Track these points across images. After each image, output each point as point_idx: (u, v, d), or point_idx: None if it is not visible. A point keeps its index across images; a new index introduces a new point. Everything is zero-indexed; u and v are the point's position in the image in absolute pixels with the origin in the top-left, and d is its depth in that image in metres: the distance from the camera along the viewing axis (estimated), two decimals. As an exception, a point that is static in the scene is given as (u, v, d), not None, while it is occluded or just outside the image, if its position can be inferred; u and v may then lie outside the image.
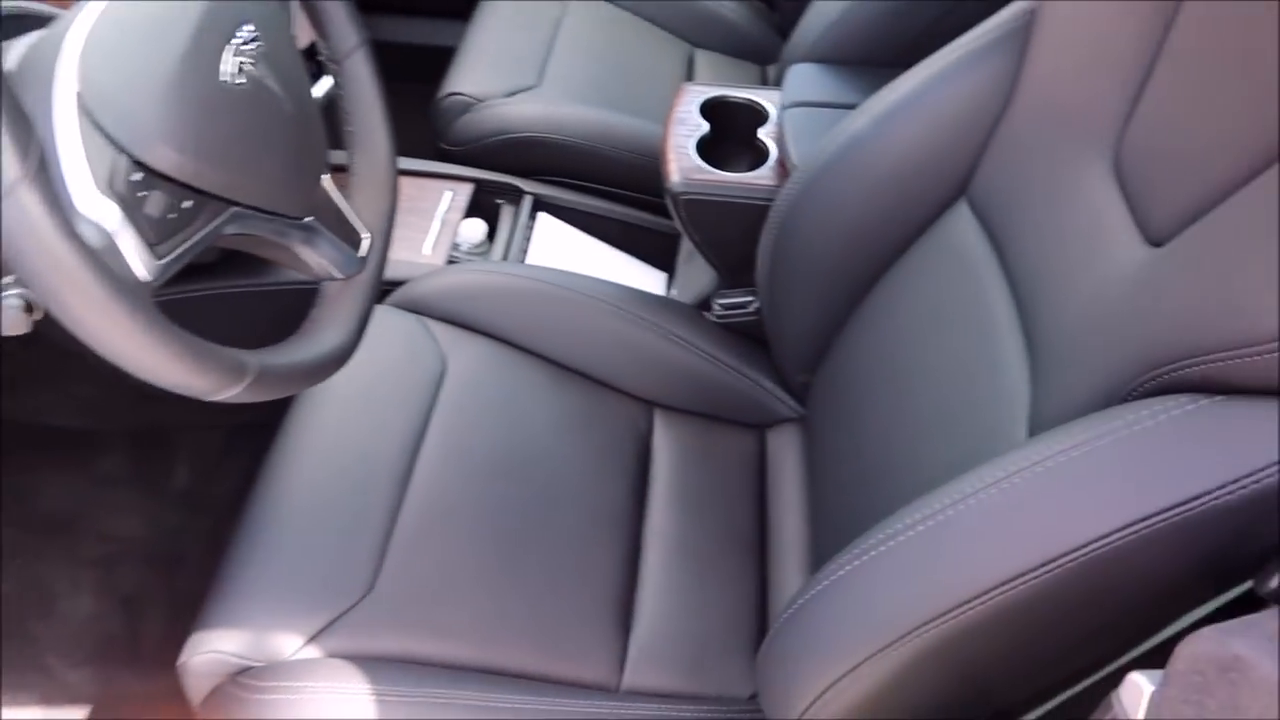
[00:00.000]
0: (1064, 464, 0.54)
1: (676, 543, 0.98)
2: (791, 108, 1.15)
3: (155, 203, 0.60)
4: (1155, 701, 0.38)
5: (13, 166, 0.50)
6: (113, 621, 1.12)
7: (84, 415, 1.27)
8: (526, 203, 1.34)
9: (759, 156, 1.16)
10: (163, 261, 0.60)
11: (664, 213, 1.36)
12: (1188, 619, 0.58)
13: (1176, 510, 0.50)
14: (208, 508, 1.22)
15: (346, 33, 0.81)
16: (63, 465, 1.24)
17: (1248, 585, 0.54)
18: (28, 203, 0.51)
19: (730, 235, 1.12)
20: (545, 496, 0.97)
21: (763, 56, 1.63)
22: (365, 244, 0.81)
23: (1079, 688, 0.65)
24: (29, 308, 0.61)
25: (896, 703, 0.61)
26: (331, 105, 0.85)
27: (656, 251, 1.38)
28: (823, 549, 0.93)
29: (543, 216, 1.35)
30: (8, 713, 1.03)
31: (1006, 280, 0.79)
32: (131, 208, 0.59)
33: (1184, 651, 0.37)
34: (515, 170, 1.36)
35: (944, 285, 0.88)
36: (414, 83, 1.54)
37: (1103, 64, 0.74)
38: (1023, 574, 0.54)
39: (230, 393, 0.63)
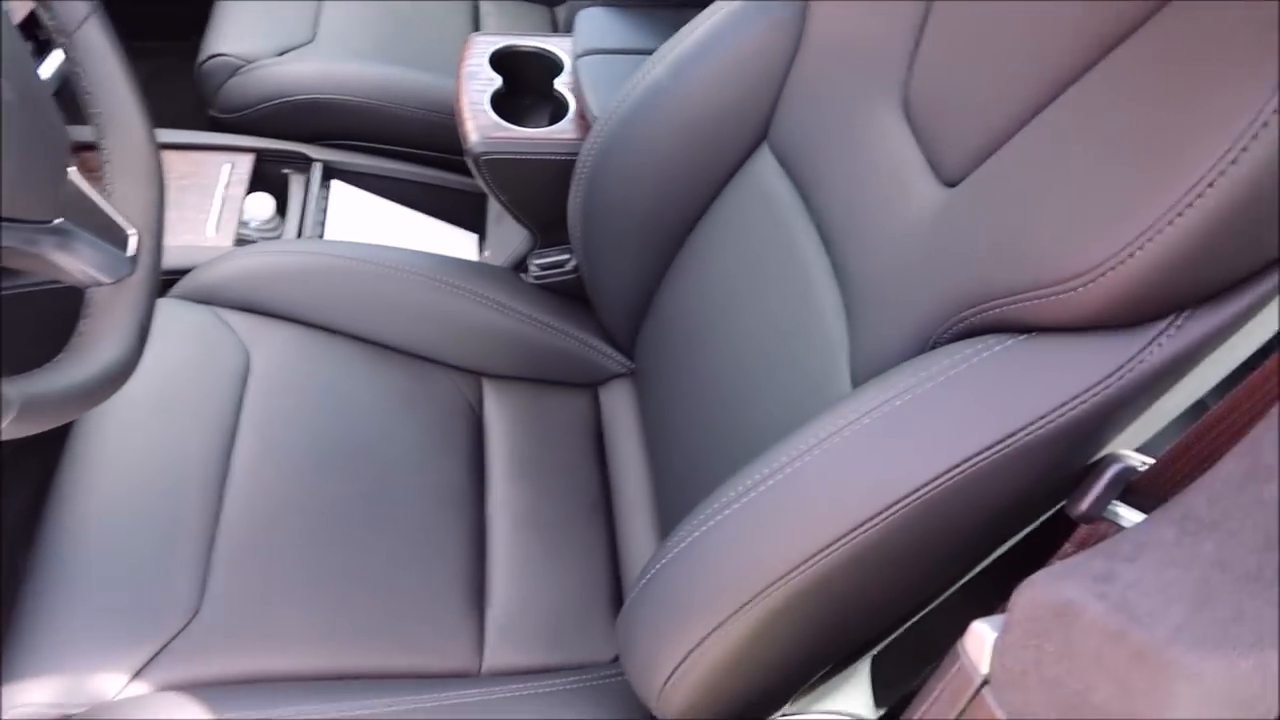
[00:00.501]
0: (889, 413, 0.55)
1: (522, 514, 0.96)
2: (585, 55, 1.11)
3: None
4: (998, 648, 0.40)
5: None
6: None
7: None
8: (316, 171, 1.25)
9: (558, 108, 1.13)
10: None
11: (466, 171, 1.31)
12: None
13: (999, 446, 0.52)
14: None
15: (71, 5, 0.71)
16: None
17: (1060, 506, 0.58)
18: None
19: (538, 193, 1.09)
20: (378, 484, 0.93)
21: (549, -2, 1.58)
22: (133, 241, 0.72)
23: (920, 616, 0.68)
24: None
25: (757, 659, 0.62)
26: (66, 84, 0.76)
27: (464, 212, 1.33)
28: (667, 506, 0.94)
29: (336, 185, 1.26)
30: None
31: (815, 226, 0.80)
32: None
33: (1020, 599, 0.39)
34: (299, 136, 1.27)
35: (755, 232, 0.88)
36: (169, 40, 1.41)
37: (882, 3, 0.74)
38: (863, 523, 0.55)
39: None
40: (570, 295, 1.13)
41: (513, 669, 0.86)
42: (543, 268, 1.13)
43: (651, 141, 0.93)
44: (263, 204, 1.17)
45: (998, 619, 0.40)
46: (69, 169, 0.68)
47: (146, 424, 0.89)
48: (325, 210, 1.22)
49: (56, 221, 0.66)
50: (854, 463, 0.56)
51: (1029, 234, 0.54)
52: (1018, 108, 0.60)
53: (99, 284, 0.70)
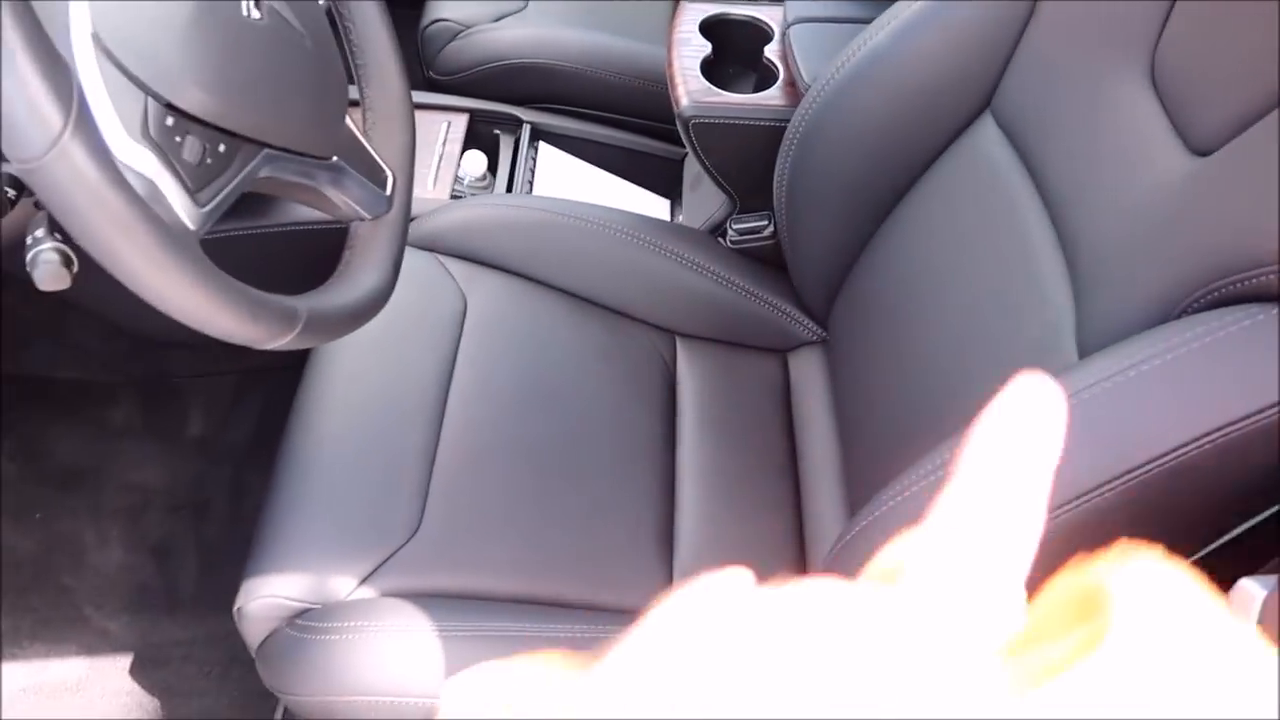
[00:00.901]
0: (1134, 378, 0.55)
1: (710, 470, 0.99)
2: (797, 24, 1.12)
3: (191, 148, 0.58)
4: (1269, 605, 0.39)
5: (56, 117, 0.48)
6: (145, 571, 1.12)
7: (86, 366, 1.25)
8: (525, 132, 1.31)
9: (765, 76, 1.14)
10: (205, 209, 0.59)
11: (665, 138, 1.35)
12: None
13: (1255, 417, 0.51)
14: (225, 455, 1.21)
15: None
16: (72, 419, 1.22)
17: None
18: (75, 154, 0.49)
19: (744, 158, 1.11)
20: (577, 429, 0.97)
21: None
22: (390, 182, 0.79)
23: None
24: (68, 261, 0.59)
25: None
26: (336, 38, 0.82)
27: (660, 178, 1.36)
28: (857, 473, 0.94)
29: (543, 146, 1.32)
30: (53, 665, 1.03)
31: (1040, 196, 0.79)
32: (169, 154, 0.57)
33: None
34: (509, 99, 1.33)
35: (972, 203, 0.87)
36: (394, 5, 1.49)
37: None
38: (1084, 494, 0.55)
39: (282, 341, 0.62)
40: (766, 261, 1.14)
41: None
42: (741, 233, 1.15)
43: (867, 109, 0.94)
44: (476, 161, 1.23)
45: (1268, 578, 0.40)
46: (346, 116, 0.74)
47: (376, 357, 0.97)
48: (533, 170, 1.28)
49: (333, 160, 0.72)
50: (1085, 430, 0.56)
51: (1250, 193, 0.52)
52: (1286, 75, 0.58)
53: (361, 219, 0.77)
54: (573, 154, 1.34)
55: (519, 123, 1.32)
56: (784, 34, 1.14)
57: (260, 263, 1.11)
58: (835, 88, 0.95)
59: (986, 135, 0.87)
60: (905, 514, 0.64)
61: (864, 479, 0.92)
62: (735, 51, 1.18)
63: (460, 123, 1.30)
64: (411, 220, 1.10)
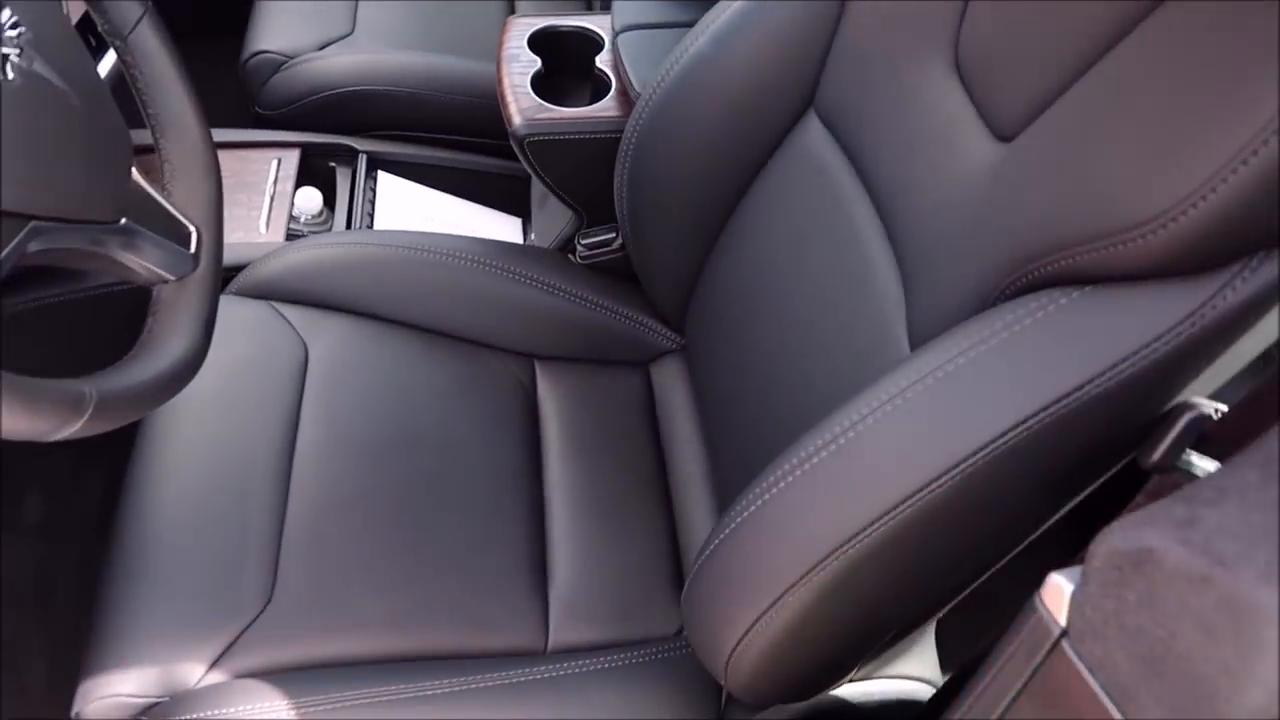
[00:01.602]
0: (952, 372, 0.55)
1: (580, 493, 0.97)
2: (625, 32, 1.11)
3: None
4: (1076, 600, 0.39)
5: None
6: None
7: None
8: (362, 162, 1.26)
9: (598, 87, 1.12)
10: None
11: (509, 155, 1.31)
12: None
13: (1066, 400, 0.51)
14: (70, 536, 1.13)
15: (125, 6, 0.72)
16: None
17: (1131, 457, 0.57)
18: None
19: (583, 172, 1.09)
20: (438, 468, 0.94)
21: (585, -22, 1.57)
22: (194, 238, 0.74)
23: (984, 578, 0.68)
24: None
25: (821, 628, 0.62)
26: (122, 83, 0.77)
27: (508, 197, 1.33)
28: (724, 480, 0.94)
29: (382, 175, 1.28)
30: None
31: (866, 190, 0.79)
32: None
33: (1099, 549, 0.38)
34: (343, 129, 1.28)
35: (804, 200, 0.87)
36: (211, 38, 1.42)
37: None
38: (926, 485, 0.55)
39: (69, 429, 0.57)
40: (618, 274, 1.13)
41: (578, 645, 0.87)
42: (590, 247, 1.13)
43: (696, 114, 0.93)
44: (311, 198, 1.18)
45: (1075, 570, 0.40)
46: (132, 169, 0.69)
47: (212, 419, 0.91)
48: (373, 201, 1.23)
49: (121, 221, 0.67)
50: (917, 424, 0.55)
51: (1091, 183, 0.53)
52: (1076, 58, 0.59)
53: (164, 281, 0.72)
54: (415, 180, 1.30)
55: (354, 153, 1.27)
56: (613, 42, 1.12)
57: (49, 340, 1.04)
58: (662, 95, 0.94)
59: (813, 133, 0.87)
60: (762, 521, 0.63)
61: (731, 485, 0.91)
62: (567, 64, 1.16)
63: (292, 158, 1.24)
64: (243, 268, 1.05)
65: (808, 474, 0.60)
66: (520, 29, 1.16)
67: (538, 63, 1.12)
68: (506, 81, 1.10)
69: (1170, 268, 0.50)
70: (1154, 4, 0.53)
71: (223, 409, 0.92)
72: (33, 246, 0.60)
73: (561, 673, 0.83)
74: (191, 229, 0.74)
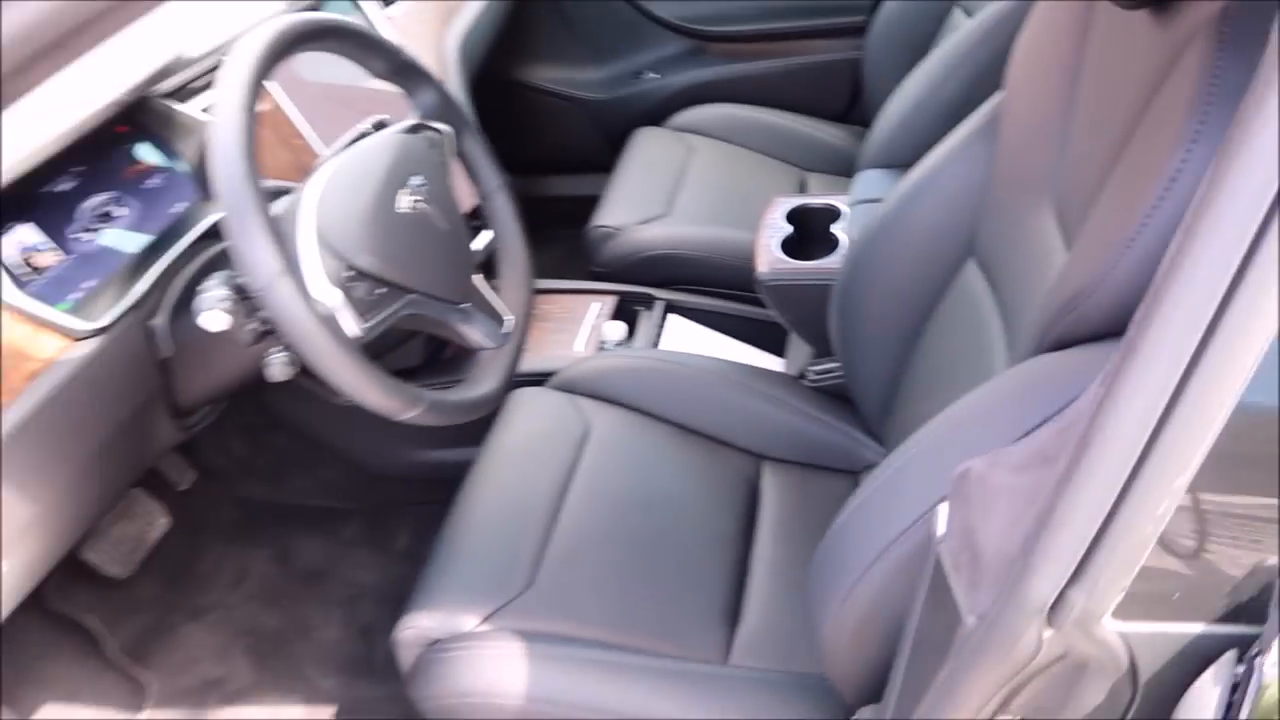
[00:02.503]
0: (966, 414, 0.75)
1: (778, 566, 1.17)
2: (857, 204, 1.39)
3: (361, 290, 0.94)
4: (946, 515, 0.59)
5: (273, 263, 0.85)
6: (354, 645, 1.45)
7: (330, 495, 1.65)
8: (659, 307, 1.63)
9: (835, 248, 1.41)
10: (367, 325, 0.93)
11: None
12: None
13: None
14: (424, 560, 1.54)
15: (490, 178, 1.15)
16: (315, 533, 1.61)
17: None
18: (285, 289, 0.85)
19: (812, 312, 1.36)
20: (668, 526, 1.21)
21: (864, 172, 1.89)
22: (508, 323, 1.12)
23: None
24: (291, 363, 0.95)
25: (896, 596, 0.79)
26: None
27: (771, 340, 1.63)
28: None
29: (673, 317, 1.64)
30: (282, 709, 1.36)
31: (998, 306, 1.00)
32: (347, 293, 0.93)
33: (956, 475, 0.58)
34: (651, 282, 1.67)
35: (964, 331, 1.08)
36: (573, 227, 1.91)
37: (1039, 137, 0.96)
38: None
39: (408, 414, 0.95)
40: (839, 396, 1.37)
41: (752, 668, 1.07)
42: (817, 373, 1.39)
43: (886, 259, 1.18)
44: (617, 329, 1.57)
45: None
46: (473, 275, 1.10)
47: (518, 461, 1.27)
48: (660, 335, 1.59)
49: (463, 305, 1.07)
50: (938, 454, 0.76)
51: (1075, 264, 0.72)
52: (1099, 187, 0.79)
53: (484, 348, 1.10)
54: (701, 323, 1.64)
55: (654, 300, 1.65)
56: (848, 212, 1.41)
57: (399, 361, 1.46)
58: (861, 247, 1.20)
59: (969, 273, 1.09)
60: (857, 515, 0.84)
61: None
62: (815, 231, 1.46)
63: (610, 303, 1.65)
64: (557, 371, 1.43)
65: (877, 488, 0.81)
66: (781, 206, 1.49)
67: (789, 229, 1.43)
68: (761, 242, 1.42)
69: (1109, 329, 0.68)
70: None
71: (525, 457, 1.27)
72: (408, 311, 1.00)
73: (732, 675, 1.04)
74: (508, 317, 1.12)
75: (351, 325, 0.92)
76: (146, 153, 1.19)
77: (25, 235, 1.04)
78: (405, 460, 1.64)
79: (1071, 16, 0.93)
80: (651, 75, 2.21)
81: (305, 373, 0.95)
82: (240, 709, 1.39)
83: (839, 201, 1.46)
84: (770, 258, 1.38)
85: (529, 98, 2.22)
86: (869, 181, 1.45)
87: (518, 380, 1.40)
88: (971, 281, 1.09)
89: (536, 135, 2.24)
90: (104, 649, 1.43)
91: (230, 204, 0.85)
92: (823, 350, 1.39)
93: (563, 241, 1.95)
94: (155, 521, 1.51)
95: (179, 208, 1.17)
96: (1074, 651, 0.49)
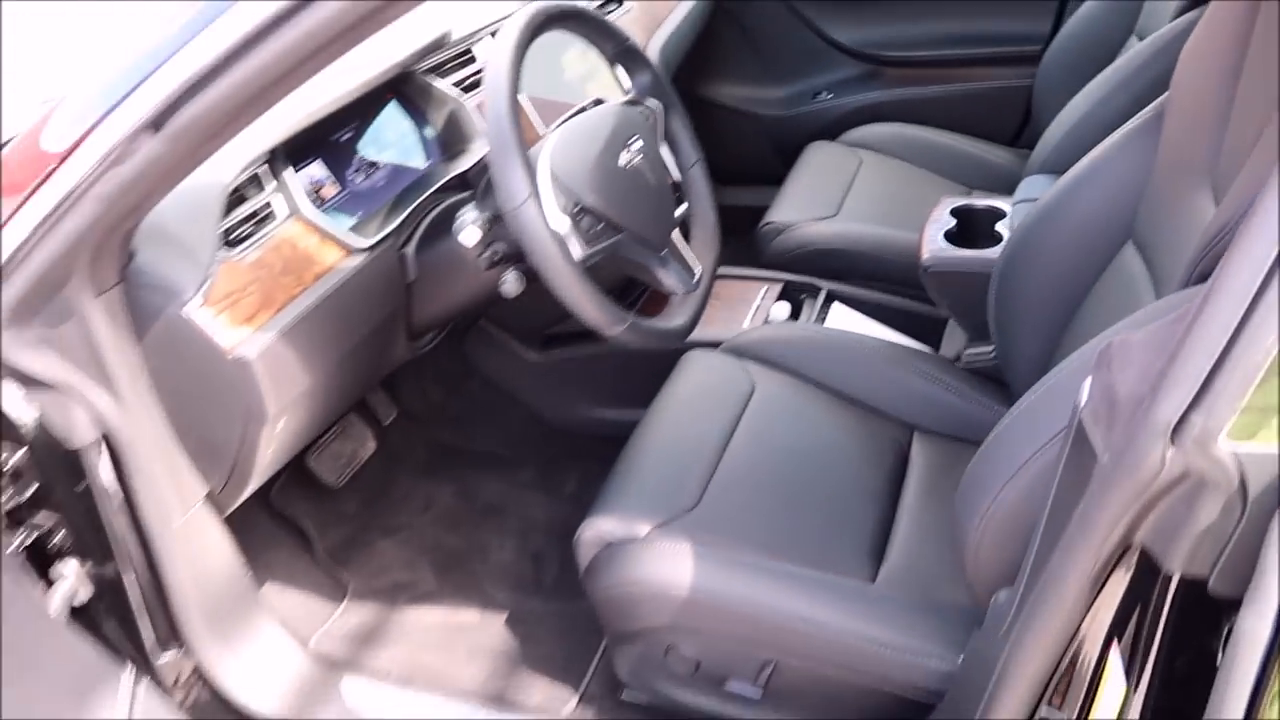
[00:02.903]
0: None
1: (923, 523, 1.26)
2: (1019, 203, 1.50)
3: (585, 223, 1.12)
4: (1088, 387, 0.70)
5: (525, 189, 1.04)
6: (525, 568, 1.63)
7: (509, 444, 1.85)
8: (822, 295, 1.77)
9: (996, 243, 1.51)
10: (588, 252, 1.11)
11: (929, 302, 1.73)
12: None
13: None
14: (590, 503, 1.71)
15: (690, 152, 1.32)
16: (494, 475, 1.81)
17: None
18: (532, 210, 1.04)
19: (972, 298, 1.47)
20: (822, 475, 1.33)
21: (1029, 190, 1.97)
22: (698, 273, 1.28)
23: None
24: (520, 280, 1.14)
25: (1039, 494, 0.89)
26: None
27: (927, 331, 1.73)
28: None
29: (835, 305, 1.77)
30: (459, 612, 1.55)
31: (1154, 285, 1.10)
32: (574, 223, 1.11)
33: (1098, 353, 0.70)
34: (815, 273, 1.81)
35: (1117, 308, 1.17)
36: (742, 236, 2.06)
37: (1201, 126, 1.05)
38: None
39: (613, 331, 1.11)
40: (992, 378, 1.46)
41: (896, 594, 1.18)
42: (970, 357, 1.49)
43: (1046, 245, 1.28)
44: (782, 309, 1.71)
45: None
46: (674, 229, 1.26)
47: (688, 408, 1.42)
48: (824, 320, 1.72)
49: (663, 251, 1.24)
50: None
51: (1219, 210, 0.83)
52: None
53: (675, 292, 1.26)
54: (861, 313, 1.76)
55: (818, 289, 1.78)
56: (1011, 211, 1.51)
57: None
58: (1022, 232, 1.31)
59: (1128, 256, 1.18)
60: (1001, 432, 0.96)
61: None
62: (978, 229, 1.56)
63: (776, 288, 1.79)
64: (729, 339, 1.58)
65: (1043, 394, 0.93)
66: (947, 205, 1.60)
67: (953, 223, 1.55)
68: (926, 233, 1.54)
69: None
70: None
71: (695, 405, 1.42)
72: (619, 249, 1.18)
73: (880, 593, 1.15)
74: (698, 269, 1.28)
75: (577, 249, 1.10)
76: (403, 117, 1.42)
77: (315, 171, 1.27)
78: (580, 416, 1.83)
79: (1237, 19, 1.03)
80: (827, 95, 2.36)
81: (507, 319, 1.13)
82: (425, 610, 1.58)
83: (1002, 203, 1.57)
84: (935, 246, 1.50)
85: (710, 112, 2.40)
86: (1033, 185, 1.55)
87: (690, 345, 1.56)
88: (1129, 263, 1.18)
89: (714, 147, 2.39)
90: (314, 549, 1.65)
91: (497, 140, 1.05)
92: (978, 336, 1.49)
93: (731, 248, 2.11)
94: (365, 444, 1.74)
95: (427, 164, 1.40)
96: (1193, 470, 0.59)
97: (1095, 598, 0.72)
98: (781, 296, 1.78)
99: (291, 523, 1.66)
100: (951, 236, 1.53)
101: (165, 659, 1.25)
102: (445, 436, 1.87)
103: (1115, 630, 0.73)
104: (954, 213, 1.57)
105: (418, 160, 1.40)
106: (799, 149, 2.20)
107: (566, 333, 1.78)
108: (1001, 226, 1.53)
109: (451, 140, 1.46)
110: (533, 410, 1.84)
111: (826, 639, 1.11)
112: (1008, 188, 2.00)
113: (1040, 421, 0.90)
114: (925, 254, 1.49)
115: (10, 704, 0.92)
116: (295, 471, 1.64)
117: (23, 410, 1.09)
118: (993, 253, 1.47)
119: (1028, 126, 2.17)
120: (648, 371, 1.54)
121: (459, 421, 1.87)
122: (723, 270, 1.84)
